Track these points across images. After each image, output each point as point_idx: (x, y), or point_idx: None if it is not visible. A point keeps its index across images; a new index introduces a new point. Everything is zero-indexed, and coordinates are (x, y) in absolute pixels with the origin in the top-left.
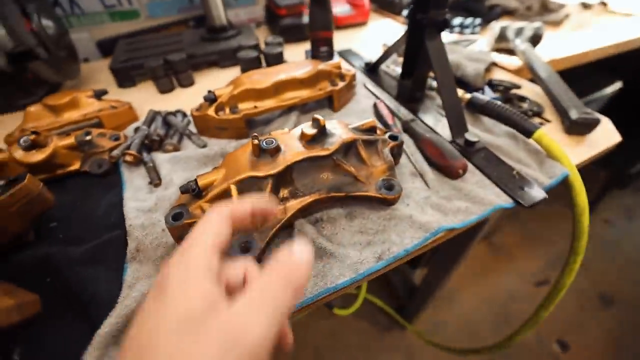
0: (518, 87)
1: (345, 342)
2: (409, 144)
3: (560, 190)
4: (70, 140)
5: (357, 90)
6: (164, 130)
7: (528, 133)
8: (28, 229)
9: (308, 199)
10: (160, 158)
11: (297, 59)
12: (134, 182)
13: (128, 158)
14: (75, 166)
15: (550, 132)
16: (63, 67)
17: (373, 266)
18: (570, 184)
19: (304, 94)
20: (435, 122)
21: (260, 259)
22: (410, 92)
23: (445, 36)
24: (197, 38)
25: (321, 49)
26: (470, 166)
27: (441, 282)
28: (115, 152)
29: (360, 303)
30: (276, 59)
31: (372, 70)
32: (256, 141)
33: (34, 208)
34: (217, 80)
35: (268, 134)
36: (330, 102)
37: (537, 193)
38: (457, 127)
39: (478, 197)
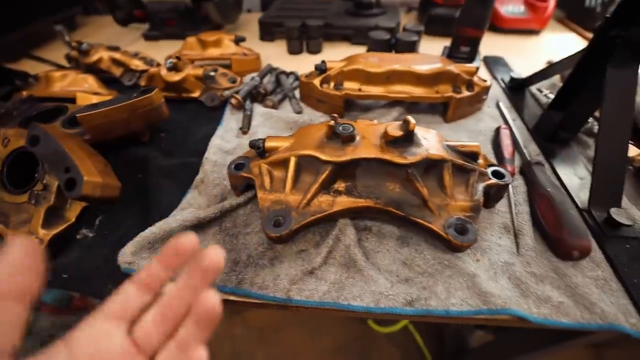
0: None
1: (367, 356)
2: (519, 191)
3: None
4: (199, 72)
5: (484, 106)
6: (273, 87)
7: None
8: (145, 131)
9: (361, 202)
10: (257, 109)
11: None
12: (229, 123)
13: (233, 101)
14: (196, 94)
15: None
16: (229, 12)
17: (397, 308)
18: None
19: (416, 91)
20: (572, 177)
21: (286, 241)
22: (554, 129)
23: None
24: (342, 10)
25: (462, 49)
26: (597, 254)
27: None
28: (226, 92)
29: (399, 328)
30: (407, 47)
31: (516, 88)
32: (332, 122)
33: (152, 116)
34: (343, 54)
35: (353, 121)
36: (445, 110)
37: None
38: (604, 194)
39: (588, 298)
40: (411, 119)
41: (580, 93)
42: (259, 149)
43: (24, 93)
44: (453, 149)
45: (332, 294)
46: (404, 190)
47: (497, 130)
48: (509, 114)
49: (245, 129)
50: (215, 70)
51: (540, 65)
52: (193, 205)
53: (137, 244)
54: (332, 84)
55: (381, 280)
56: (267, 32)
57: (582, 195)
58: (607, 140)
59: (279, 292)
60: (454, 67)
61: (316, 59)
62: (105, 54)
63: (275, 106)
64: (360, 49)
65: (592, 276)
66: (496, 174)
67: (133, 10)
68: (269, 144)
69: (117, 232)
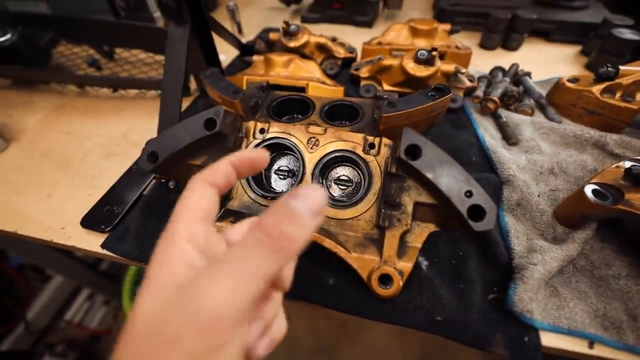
0: None
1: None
2: None
3: None
4: (450, 67)
5: None
6: (521, 91)
7: None
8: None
9: None
10: (516, 118)
11: None
12: (488, 130)
13: (490, 104)
14: None
15: None
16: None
17: None
18: None
19: None
20: None
21: None
22: None
23: None
24: (528, 1)
25: None
26: None
27: None
28: (478, 93)
29: None
30: None
31: None
32: None
33: (437, 119)
34: (543, 54)
35: None
36: None
37: None
38: None
39: None
40: None
41: None
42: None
43: (245, 78)
44: None
45: None
46: None
47: None
48: None
49: (513, 139)
50: (458, 70)
51: None
52: (520, 232)
53: (530, 287)
54: (618, 94)
55: None
56: (447, 21)
57: None
58: None
59: None
60: None
61: (513, 56)
62: (312, 38)
63: (532, 114)
64: (562, 49)
65: None
66: None
67: None
68: None
69: (456, 260)
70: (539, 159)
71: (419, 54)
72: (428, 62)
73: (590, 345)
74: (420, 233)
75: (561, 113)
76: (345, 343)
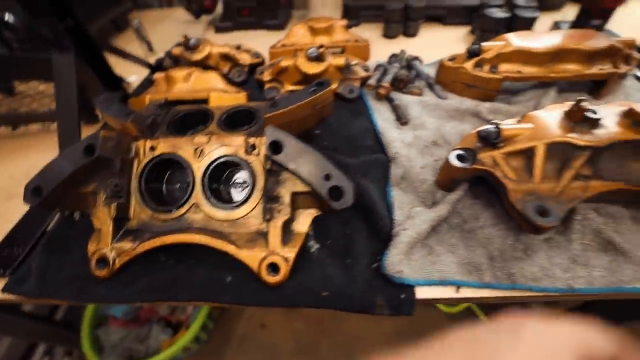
0: None
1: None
2: None
3: None
4: (341, 61)
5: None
6: (411, 74)
7: None
8: (314, 127)
9: (612, 185)
10: (406, 99)
11: (542, 29)
12: (382, 114)
13: (381, 90)
14: (334, 86)
15: None
16: None
17: None
18: None
19: (579, 69)
20: None
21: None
22: None
23: None
24: None
25: (593, 21)
26: None
27: None
28: (371, 82)
29: (462, 308)
30: (527, 25)
31: None
32: (583, 105)
33: (325, 111)
34: (440, 37)
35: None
36: (596, 87)
37: None
38: None
39: None
40: None
41: None
42: (494, 139)
43: (148, 97)
44: None
45: (607, 278)
46: None
47: None
48: None
49: (403, 119)
50: (351, 63)
51: None
52: (406, 203)
53: (399, 251)
54: (486, 67)
55: None
56: (354, 16)
57: None
58: None
59: (558, 282)
60: (617, 42)
61: (413, 42)
62: (214, 49)
63: (420, 94)
64: (456, 31)
65: None
66: None
67: (204, 0)
68: (507, 132)
69: (344, 239)
70: (424, 133)
71: (308, 52)
72: (318, 58)
73: (457, 290)
74: (304, 220)
75: (447, 89)
76: (323, 338)
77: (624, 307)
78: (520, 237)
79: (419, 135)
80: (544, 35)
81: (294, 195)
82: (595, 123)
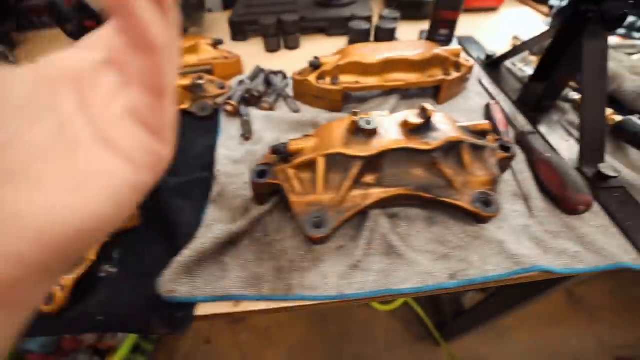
0: None
1: (374, 335)
2: (518, 160)
3: None
4: (187, 81)
5: (468, 85)
6: (264, 88)
7: None
8: None
9: (392, 191)
10: (255, 114)
11: (408, 38)
12: (229, 131)
13: (228, 107)
14: (185, 105)
15: None
16: (192, 14)
17: (444, 283)
18: None
19: (411, 77)
20: (559, 141)
21: (327, 241)
22: (538, 99)
23: None
24: (310, 2)
25: (441, 31)
26: (594, 206)
27: (495, 318)
28: (219, 100)
29: (400, 304)
30: (388, 35)
31: (492, 65)
32: (355, 118)
33: None
34: (322, 48)
35: (366, 114)
36: (436, 93)
37: None
38: (591, 153)
39: (596, 245)
40: (429, 106)
41: (559, 64)
42: (283, 154)
43: None
44: (466, 129)
45: (380, 281)
46: (429, 174)
47: (487, 106)
48: (493, 90)
49: (247, 134)
50: (202, 78)
51: (506, 40)
52: (217, 220)
53: (175, 270)
54: (328, 79)
55: (422, 260)
56: (240, 32)
57: (570, 156)
58: (589, 105)
59: (331, 290)
60: (441, 51)
61: (295, 54)
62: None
63: (272, 108)
64: (339, 41)
65: (594, 225)
66: (504, 148)
67: (84, 21)
68: (292, 146)
69: (143, 262)
70: (258, 148)
71: None
72: None
73: (236, 304)
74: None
75: (302, 101)
76: (268, 348)
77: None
78: (315, 247)
79: (252, 151)
80: (382, 47)
81: None
82: (371, 133)
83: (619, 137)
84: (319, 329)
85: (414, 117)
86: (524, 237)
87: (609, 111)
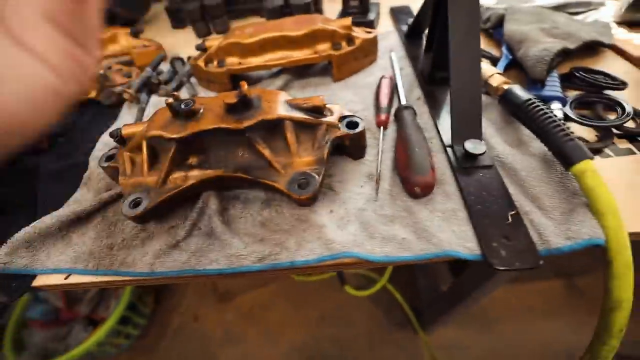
0: (622, 87)
1: (351, 320)
2: (389, 138)
3: None
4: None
5: (380, 59)
6: (169, 75)
7: (568, 161)
8: (42, 139)
9: (212, 173)
10: (153, 100)
11: (334, 15)
12: (124, 119)
13: (126, 96)
14: (92, 95)
15: (609, 170)
16: (135, 4)
17: (249, 265)
18: (609, 260)
19: (296, 55)
20: (444, 116)
21: (147, 219)
22: (429, 71)
23: None
24: None
25: (351, 3)
26: (451, 188)
27: (465, 301)
28: (118, 89)
29: (378, 289)
30: (303, 11)
31: (413, 35)
32: (170, 100)
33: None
34: None
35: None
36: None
37: (524, 255)
38: (460, 128)
39: (428, 231)
40: (244, 84)
41: (435, 27)
42: (117, 138)
43: None
44: (296, 106)
45: (191, 262)
46: (251, 154)
47: (380, 81)
48: (399, 63)
49: (139, 121)
50: (109, 68)
51: None
52: (80, 202)
53: (11, 244)
54: (215, 62)
55: (236, 243)
56: (176, 20)
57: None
58: (456, 72)
59: (144, 267)
60: (324, 24)
61: None
62: None
63: (169, 94)
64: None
65: (441, 209)
66: (351, 125)
67: None
68: (125, 131)
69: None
70: None
71: None
72: None
73: (66, 277)
74: None
75: (202, 86)
76: (251, 326)
77: None
78: (147, 226)
79: None
80: (267, 25)
81: None
82: (188, 114)
83: (505, 108)
84: (299, 310)
85: (230, 97)
86: (354, 222)
87: (499, 79)
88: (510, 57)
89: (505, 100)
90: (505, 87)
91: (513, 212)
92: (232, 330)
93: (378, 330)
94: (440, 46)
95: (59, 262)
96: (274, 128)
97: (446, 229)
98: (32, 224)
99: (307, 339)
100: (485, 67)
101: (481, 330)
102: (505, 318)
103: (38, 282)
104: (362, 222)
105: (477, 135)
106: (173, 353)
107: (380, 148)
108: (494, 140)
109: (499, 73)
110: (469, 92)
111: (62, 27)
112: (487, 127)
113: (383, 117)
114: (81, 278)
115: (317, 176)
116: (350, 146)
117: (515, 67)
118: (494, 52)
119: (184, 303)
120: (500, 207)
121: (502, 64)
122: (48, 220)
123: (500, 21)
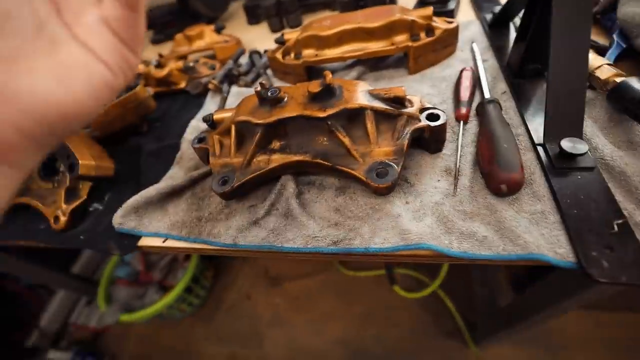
0: None
1: (397, 321)
2: (470, 132)
3: None
4: (180, 64)
5: (459, 51)
6: (248, 67)
7: None
8: (141, 122)
9: (293, 158)
10: (233, 90)
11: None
12: (209, 106)
13: (210, 85)
14: (182, 85)
15: None
16: (215, 3)
17: (323, 247)
18: None
19: (372, 46)
20: (535, 112)
21: (232, 197)
22: (520, 63)
23: None
24: None
25: None
26: (541, 188)
27: (526, 321)
28: (205, 79)
29: (428, 293)
30: (378, 3)
31: (499, 24)
32: (258, 88)
33: (142, 108)
34: None
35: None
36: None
37: (633, 270)
38: (556, 125)
39: (513, 231)
40: (328, 73)
41: (535, 13)
42: (209, 122)
43: None
44: (377, 96)
45: (270, 238)
46: (331, 142)
47: (460, 74)
48: (482, 55)
49: (221, 109)
50: (197, 61)
51: None
52: (174, 177)
53: (124, 209)
54: (292, 55)
55: (312, 225)
56: (252, 16)
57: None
58: (558, 61)
59: (228, 239)
60: (403, 15)
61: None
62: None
63: (248, 85)
64: None
65: (528, 210)
66: (431, 117)
67: None
68: (216, 116)
69: (120, 204)
70: None
71: (152, 62)
72: (159, 65)
73: (164, 241)
74: (84, 187)
75: (278, 78)
76: (299, 313)
77: None
78: (230, 204)
79: None
80: (344, 17)
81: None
82: (274, 102)
83: (615, 104)
84: (345, 304)
85: (314, 86)
86: (430, 215)
87: (609, 71)
88: (624, 45)
89: (616, 95)
90: (618, 80)
91: (620, 221)
92: (279, 314)
93: (424, 336)
94: (537, 33)
95: (158, 227)
96: (354, 117)
97: (534, 232)
98: (138, 194)
99: (351, 333)
100: (592, 56)
101: (544, 356)
102: (575, 347)
103: (142, 242)
104: (439, 216)
105: (577, 133)
106: (226, 325)
107: (460, 143)
108: (598, 140)
109: (608, 64)
110: (571, 84)
111: (117, 32)
112: (589, 125)
113: (464, 111)
114: (176, 243)
115: (396, 166)
116: (429, 139)
117: (629, 58)
118: (601, 41)
119: (238, 282)
120: (603, 214)
121: (612, 53)
122: (150, 191)
123: (611, 4)
